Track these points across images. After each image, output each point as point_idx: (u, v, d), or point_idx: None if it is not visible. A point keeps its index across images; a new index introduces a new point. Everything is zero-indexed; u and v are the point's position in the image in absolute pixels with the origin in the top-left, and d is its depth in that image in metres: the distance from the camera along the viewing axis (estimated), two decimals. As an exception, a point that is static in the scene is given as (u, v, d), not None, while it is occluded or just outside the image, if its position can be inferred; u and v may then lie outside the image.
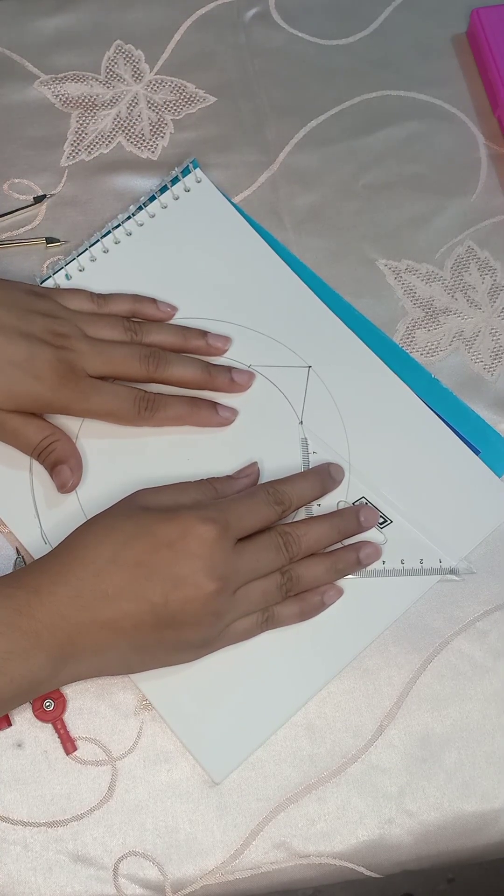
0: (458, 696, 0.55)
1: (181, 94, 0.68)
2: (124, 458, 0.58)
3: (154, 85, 0.68)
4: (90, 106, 0.68)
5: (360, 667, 0.55)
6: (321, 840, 0.52)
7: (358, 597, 0.55)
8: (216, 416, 0.58)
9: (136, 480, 0.55)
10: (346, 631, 0.55)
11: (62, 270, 0.62)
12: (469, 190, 0.66)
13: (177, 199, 0.64)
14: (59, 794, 0.53)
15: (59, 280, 0.62)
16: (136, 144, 0.67)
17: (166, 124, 0.67)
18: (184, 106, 0.68)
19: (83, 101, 0.68)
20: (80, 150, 0.66)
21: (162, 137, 0.67)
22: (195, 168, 0.65)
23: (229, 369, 0.59)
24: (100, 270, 0.63)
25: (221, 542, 0.50)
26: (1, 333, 0.54)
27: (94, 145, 0.67)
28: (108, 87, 0.68)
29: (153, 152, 0.67)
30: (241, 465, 0.58)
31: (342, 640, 0.55)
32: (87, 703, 0.54)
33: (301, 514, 0.57)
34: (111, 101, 0.68)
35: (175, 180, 0.65)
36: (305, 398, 0.60)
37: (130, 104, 0.68)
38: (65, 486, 0.56)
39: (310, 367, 0.61)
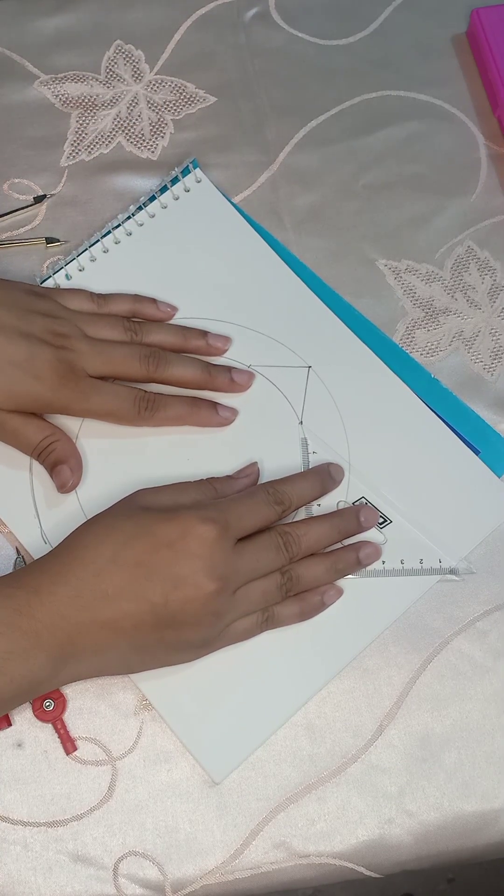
0: (458, 696, 0.55)
1: (181, 94, 0.68)
2: (124, 458, 0.58)
3: (154, 85, 0.68)
4: (90, 106, 0.68)
5: (360, 667, 0.55)
6: (321, 840, 0.52)
7: (358, 597, 0.55)
8: (216, 416, 0.58)
9: (136, 480, 0.55)
10: (346, 631, 0.55)
11: (62, 270, 0.62)
12: (469, 190, 0.66)
13: (177, 199, 0.64)
14: (59, 793, 0.53)
15: (59, 280, 0.62)
16: (136, 144, 0.67)
17: (166, 124, 0.67)
18: (184, 106, 0.68)
19: (83, 101, 0.68)
20: (80, 150, 0.66)
21: (162, 137, 0.67)
22: (195, 168, 0.65)
23: (229, 369, 0.59)
24: (100, 270, 0.63)
25: (221, 542, 0.50)
26: (1, 333, 0.54)
27: (94, 145, 0.67)
28: (108, 87, 0.68)
29: (153, 152, 0.67)
30: (241, 465, 0.58)
31: (342, 640, 0.55)
32: (87, 703, 0.54)
33: (301, 514, 0.57)
34: (111, 101, 0.68)
35: (175, 180, 0.65)
36: (305, 398, 0.60)
37: (130, 104, 0.68)
38: (65, 486, 0.56)
39: (310, 367, 0.61)
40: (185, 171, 0.65)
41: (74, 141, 0.67)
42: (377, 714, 0.54)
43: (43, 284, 0.62)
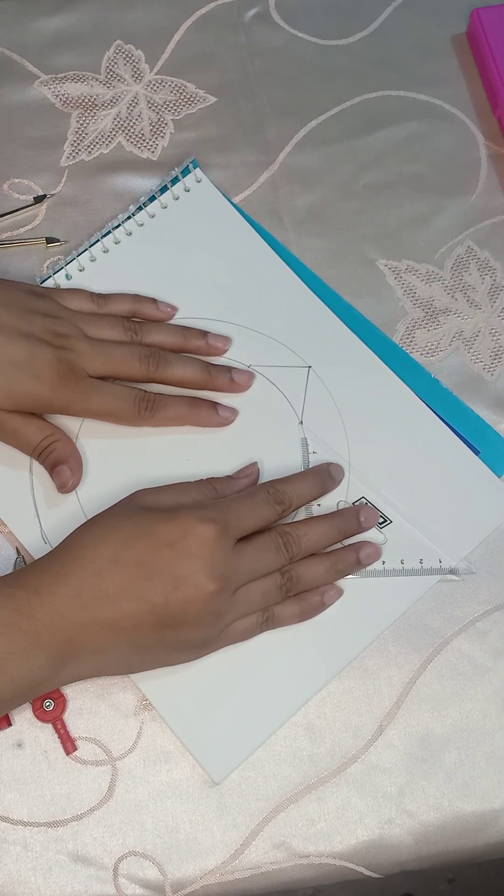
0: (458, 696, 0.55)
1: (181, 94, 0.68)
2: (124, 458, 0.58)
3: (154, 85, 0.68)
4: (90, 106, 0.68)
5: (360, 667, 0.55)
6: (321, 840, 0.52)
7: (358, 597, 0.55)
8: (216, 416, 0.58)
9: (136, 480, 0.55)
10: (346, 631, 0.55)
11: (62, 270, 0.62)
12: (469, 190, 0.66)
13: (177, 199, 0.64)
14: (59, 794, 0.53)
15: (59, 280, 0.62)
16: (136, 144, 0.67)
17: (166, 124, 0.67)
18: (184, 106, 0.68)
19: (83, 101, 0.68)
20: (80, 150, 0.66)
21: (162, 137, 0.67)
22: (195, 168, 0.65)
23: (229, 369, 0.59)
24: (100, 270, 0.63)
25: (221, 542, 0.50)
26: (1, 333, 0.54)
27: (94, 145, 0.67)
28: (108, 87, 0.68)
29: (153, 152, 0.67)
30: (241, 465, 0.58)
31: (342, 640, 0.55)
32: (87, 703, 0.54)
33: (301, 514, 0.57)
34: (111, 101, 0.68)
35: (175, 180, 0.65)
36: (305, 398, 0.60)
37: (130, 104, 0.68)
38: (65, 486, 0.56)
39: (310, 367, 0.61)
40: (185, 171, 0.65)
41: (74, 141, 0.67)
42: (377, 714, 0.54)
43: (43, 284, 0.62)
